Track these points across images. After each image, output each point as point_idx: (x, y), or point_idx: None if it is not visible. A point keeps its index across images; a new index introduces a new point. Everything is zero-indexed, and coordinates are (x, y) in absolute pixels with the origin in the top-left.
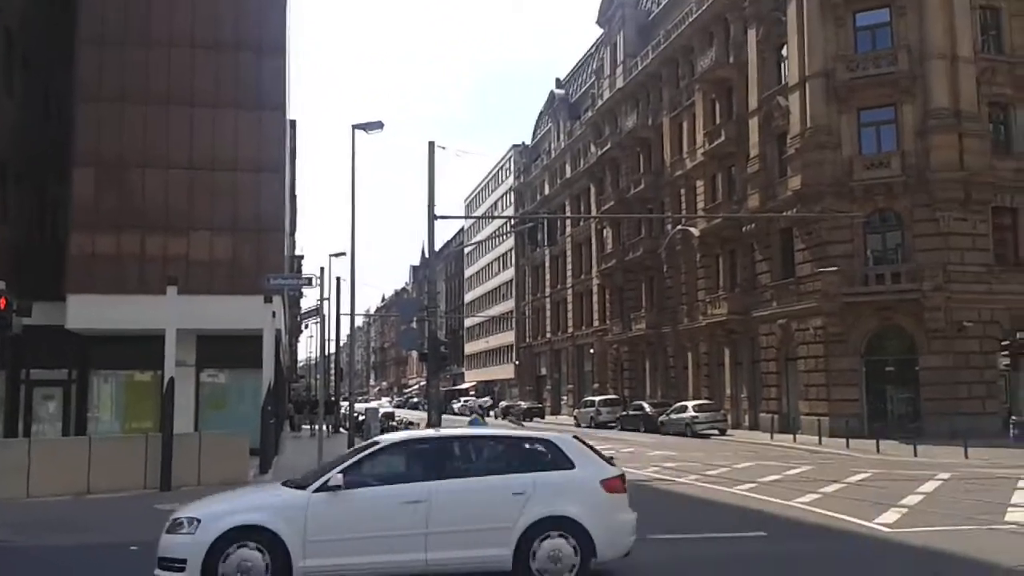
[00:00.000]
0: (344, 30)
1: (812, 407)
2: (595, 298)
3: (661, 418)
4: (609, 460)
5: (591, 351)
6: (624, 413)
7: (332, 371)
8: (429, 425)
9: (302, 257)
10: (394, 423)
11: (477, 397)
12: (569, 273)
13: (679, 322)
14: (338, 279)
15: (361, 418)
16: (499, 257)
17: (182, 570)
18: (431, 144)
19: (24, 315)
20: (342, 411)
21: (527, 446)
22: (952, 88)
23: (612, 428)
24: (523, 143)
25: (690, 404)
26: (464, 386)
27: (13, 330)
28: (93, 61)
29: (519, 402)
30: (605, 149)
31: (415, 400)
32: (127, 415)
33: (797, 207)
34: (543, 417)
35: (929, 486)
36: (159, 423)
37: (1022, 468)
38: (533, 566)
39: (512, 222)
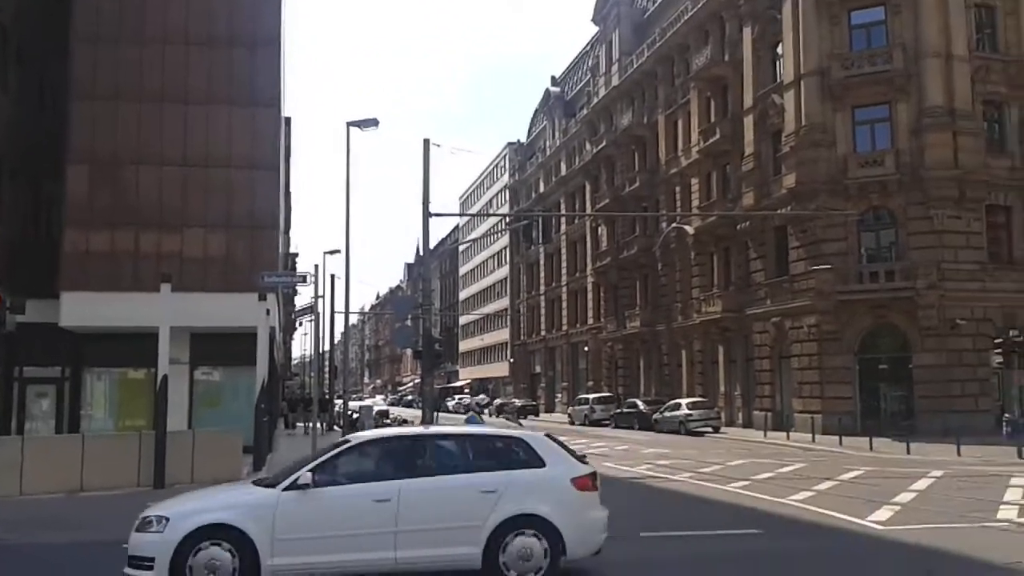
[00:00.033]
0: (338, 24)
1: (805, 405)
2: (589, 296)
3: (655, 416)
4: (582, 458)
5: (585, 349)
6: (618, 411)
7: (326, 369)
8: (423, 423)
9: (296, 254)
10: (388, 421)
11: (472, 395)
12: (564, 271)
13: (673, 320)
14: (332, 276)
15: (355, 416)
16: (494, 255)
17: (151, 568)
18: (426, 142)
19: (17, 312)
20: (336, 409)
21: (498, 444)
22: (947, 86)
23: (606, 426)
24: (518, 140)
25: (684, 402)
26: (458, 384)
27: (6, 327)
28: (88, 58)
29: (513, 400)
30: (600, 147)
31: (409, 398)
32: (121, 413)
33: (791, 205)
34: (537, 415)
35: (922, 484)
36: (153, 421)
37: (1014, 466)
38: (503, 564)
39: (507, 220)
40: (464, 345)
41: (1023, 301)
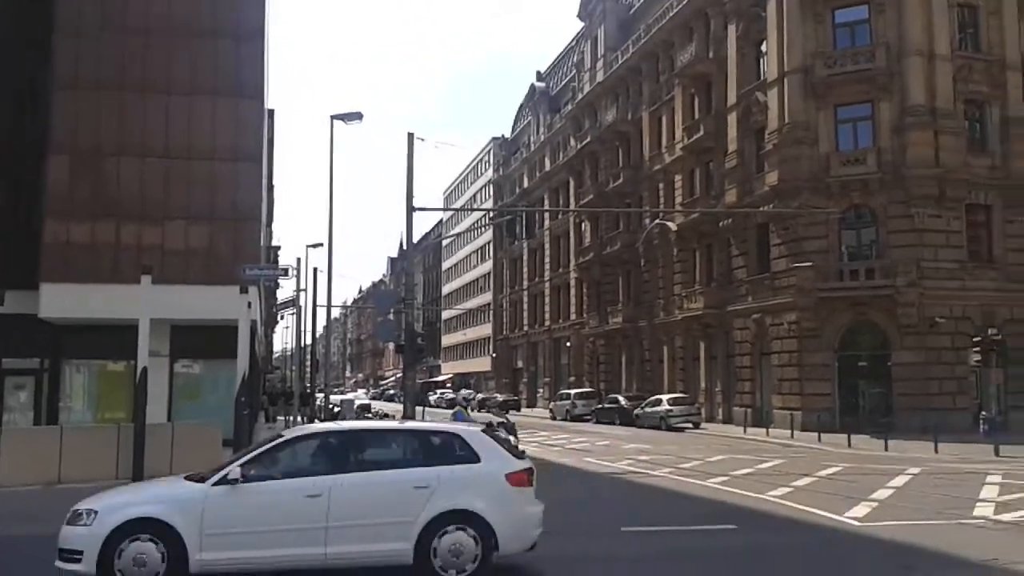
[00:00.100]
0: (316, 30)
1: (785, 401)
2: (572, 291)
3: (636, 411)
4: (520, 454)
5: (568, 344)
6: (599, 406)
7: (308, 362)
8: (404, 417)
9: (279, 247)
10: (369, 415)
11: (454, 389)
12: (547, 266)
13: (655, 316)
14: (315, 270)
15: (337, 410)
16: (477, 250)
17: (79, 561)
18: (410, 135)
19: None
20: (317, 403)
21: (434, 440)
22: (929, 85)
23: (588, 421)
24: (503, 136)
25: (665, 398)
26: (441, 378)
27: None
28: (70, 49)
29: (495, 394)
30: (584, 143)
31: (391, 392)
32: (100, 405)
33: (774, 202)
34: (519, 409)
35: (899, 480)
36: (132, 413)
37: (991, 463)
38: (434, 560)
39: (491, 215)
40: (447, 340)
41: (1002, 300)
